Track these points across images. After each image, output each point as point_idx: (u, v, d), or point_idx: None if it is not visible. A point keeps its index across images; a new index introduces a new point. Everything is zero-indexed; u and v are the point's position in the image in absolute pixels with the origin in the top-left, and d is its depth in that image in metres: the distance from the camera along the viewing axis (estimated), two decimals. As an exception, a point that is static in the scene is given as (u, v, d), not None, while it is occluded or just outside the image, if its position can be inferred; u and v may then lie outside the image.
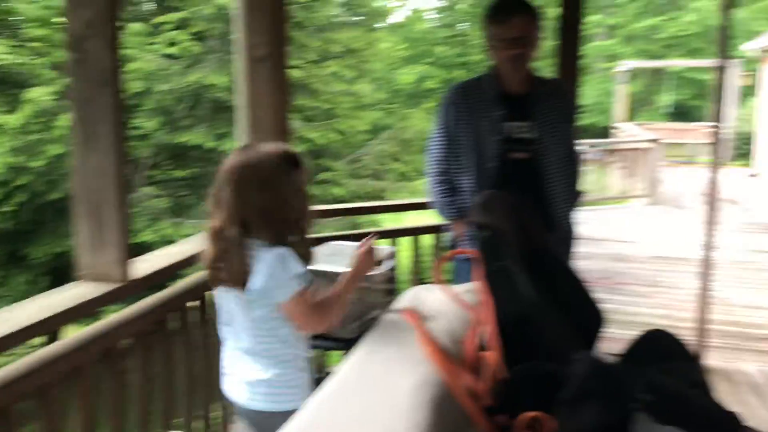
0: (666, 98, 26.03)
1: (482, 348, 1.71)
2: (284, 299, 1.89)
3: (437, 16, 35.14)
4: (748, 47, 14.76)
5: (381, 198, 9.76)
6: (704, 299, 3.94)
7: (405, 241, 3.68)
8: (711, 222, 3.90)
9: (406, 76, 32.87)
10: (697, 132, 18.09)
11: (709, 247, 3.92)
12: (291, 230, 1.94)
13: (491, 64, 2.74)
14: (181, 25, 9.52)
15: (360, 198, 9.61)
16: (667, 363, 1.98)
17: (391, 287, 3.01)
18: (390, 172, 10.14)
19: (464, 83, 2.75)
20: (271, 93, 2.91)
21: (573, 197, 2.82)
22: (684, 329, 4.71)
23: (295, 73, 9.16)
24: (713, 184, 3.88)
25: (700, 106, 26.42)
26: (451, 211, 2.69)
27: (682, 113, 26.79)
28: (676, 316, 5.04)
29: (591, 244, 7.45)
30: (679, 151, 17.79)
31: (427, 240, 3.77)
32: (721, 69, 3.71)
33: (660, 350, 2.02)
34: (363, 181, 9.78)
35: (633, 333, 4.74)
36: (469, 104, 2.67)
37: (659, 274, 6.24)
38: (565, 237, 2.80)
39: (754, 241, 7.75)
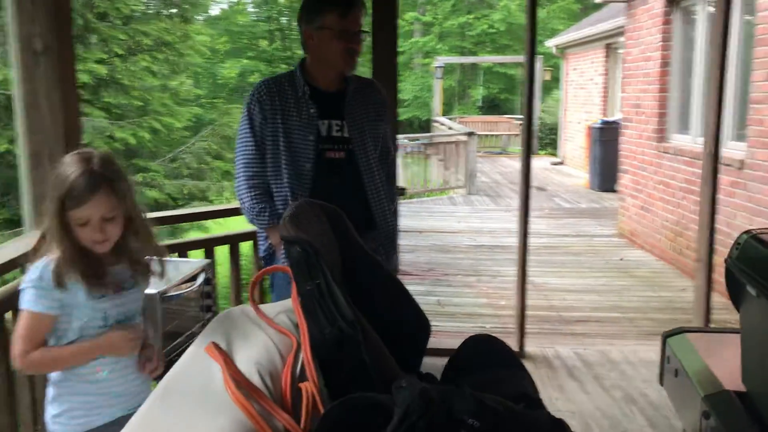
0: (478, 92, 27.47)
1: (302, 379, 1.55)
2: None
3: (257, 10, 34.50)
4: (549, 44, 15.83)
5: (202, 199, 9.31)
6: (521, 286, 4.06)
7: (223, 251, 3.43)
8: (525, 210, 4.02)
9: (229, 70, 31.97)
10: (508, 124, 19.22)
11: (523, 234, 4.04)
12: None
13: (304, 58, 2.59)
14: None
15: (179, 200, 9.09)
16: (493, 371, 1.95)
17: (208, 303, 2.78)
18: (212, 171, 9.69)
19: (272, 79, 2.56)
20: (53, 90, 2.54)
21: (392, 194, 2.77)
22: (505, 317, 4.91)
23: (100, 69, 8.45)
24: (526, 175, 4.00)
25: (508, 99, 28.21)
26: (265, 218, 2.49)
27: (493, 106, 28.45)
28: (497, 304, 5.21)
29: (415, 237, 7.58)
30: (492, 142, 18.82)
31: (247, 248, 3.54)
32: (531, 65, 3.83)
33: (486, 357, 1.97)
34: (182, 181, 9.26)
35: (459, 324, 4.78)
36: (279, 102, 2.48)
37: (480, 263, 6.45)
38: (388, 234, 2.73)
39: (560, 225, 8.29)
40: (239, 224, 3.22)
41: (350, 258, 1.91)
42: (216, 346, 1.51)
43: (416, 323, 2.00)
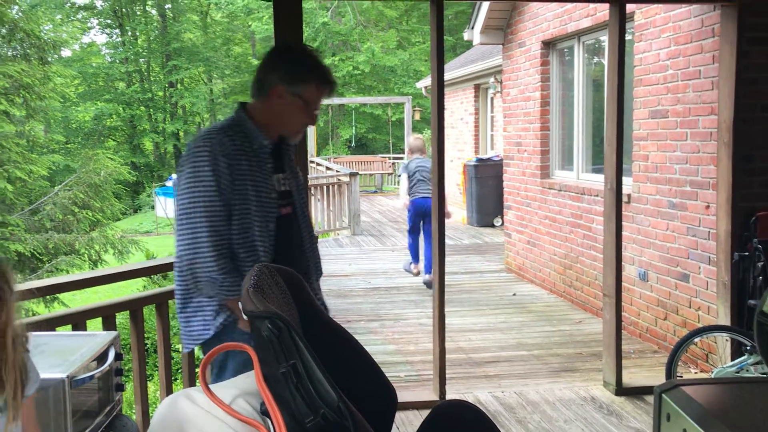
0: (347, 132, 27.74)
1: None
2: None
3: (111, 51, 33.22)
4: (419, 85, 16.23)
5: (70, 253, 8.55)
6: (439, 331, 3.94)
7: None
8: (441, 251, 3.93)
9: (83, 114, 30.38)
10: (381, 162, 19.45)
11: (440, 275, 3.94)
12: None
13: (244, 104, 2.34)
14: None
15: (43, 256, 8.29)
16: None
17: (118, 381, 2.43)
18: (80, 222, 8.96)
19: (227, 128, 2.26)
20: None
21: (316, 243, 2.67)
22: (417, 363, 4.78)
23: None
24: (440, 214, 3.91)
25: (375, 138, 28.76)
26: (236, 288, 2.13)
27: (361, 145, 28.84)
28: (406, 349, 5.07)
29: (308, 283, 7.33)
30: (367, 181, 18.95)
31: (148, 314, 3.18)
32: (439, 99, 3.78)
33: (461, 426, 1.81)
34: (47, 235, 8.46)
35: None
36: (243, 155, 2.23)
37: (380, 307, 6.32)
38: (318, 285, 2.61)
39: (448, 262, 8.33)
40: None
41: (311, 326, 1.70)
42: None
43: (382, 394, 1.81)
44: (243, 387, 1.60)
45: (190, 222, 2.17)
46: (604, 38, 5.80)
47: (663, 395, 1.54)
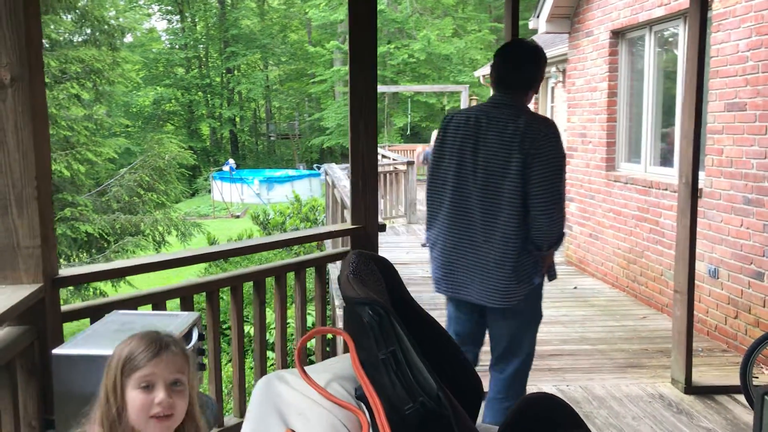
0: (401, 120, 27.69)
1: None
2: None
3: (172, 37, 33.81)
4: (477, 74, 16.07)
5: (136, 234, 8.79)
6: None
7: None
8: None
9: (143, 98, 31.08)
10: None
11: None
12: None
13: (527, 101, 2.98)
14: None
15: (110, 236, 8.56)
16: (559, 433, 1.78)
17: (200, 361, 2.49)
18: (145, 204, 9.21)
19: None
20: (24, 126, 2.22)
21: None
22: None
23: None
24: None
25: (429, 127, 28.64)
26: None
27: (414, 134, 28.76)
28: (466, 340, 5.05)
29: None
30: (422, 170, 18.89)
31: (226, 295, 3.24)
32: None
33: (548, 422, 1.80)
34: (113, 216, 8.72)
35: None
36: None
37: (438, 295, 6.29)
38: None
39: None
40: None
41: (403, 313, 1.71)
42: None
43: (470, 386, 1.80)
44: (336, 371, 1.61)
45: (561, 198, 2.74)
46: (677, 29, 5.64)
47: (766, 397, 1.50)
